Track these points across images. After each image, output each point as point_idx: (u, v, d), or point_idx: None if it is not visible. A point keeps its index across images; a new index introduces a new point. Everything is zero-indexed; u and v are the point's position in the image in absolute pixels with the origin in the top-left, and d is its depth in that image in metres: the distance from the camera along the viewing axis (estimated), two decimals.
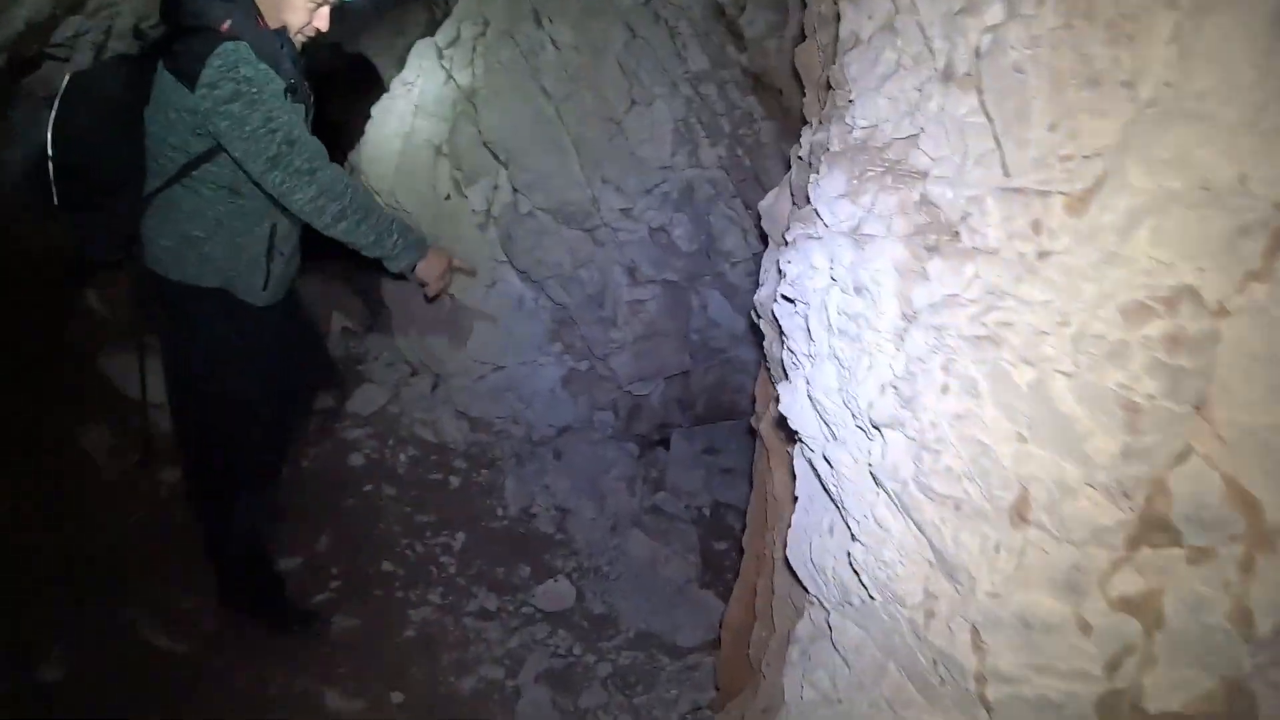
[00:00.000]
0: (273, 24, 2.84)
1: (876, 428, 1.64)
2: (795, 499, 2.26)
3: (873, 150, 1.78)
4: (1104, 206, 1.27)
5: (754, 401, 3.50)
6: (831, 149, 1.93)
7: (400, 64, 5.10)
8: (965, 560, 1.46)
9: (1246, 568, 1.24)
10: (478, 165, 4.84)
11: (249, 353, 3.20)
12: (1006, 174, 1.42)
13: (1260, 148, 1.16)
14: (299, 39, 2.98)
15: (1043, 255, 1.34)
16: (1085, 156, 1.29)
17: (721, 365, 5.49)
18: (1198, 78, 1.20)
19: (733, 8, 4.47)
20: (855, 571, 1.75)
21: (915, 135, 1.65)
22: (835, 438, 1.81)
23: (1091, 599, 1.33)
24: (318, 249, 3.36)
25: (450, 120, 4.75)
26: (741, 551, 5.37)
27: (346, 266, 4.99)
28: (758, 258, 4.73)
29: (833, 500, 1.91)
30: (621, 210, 4.69)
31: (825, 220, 1.84)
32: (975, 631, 1.46)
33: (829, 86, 2.26)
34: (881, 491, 1.66)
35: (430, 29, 5.28)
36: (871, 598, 1.71)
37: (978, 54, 1.46)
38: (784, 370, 2.16)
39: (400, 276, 3.28)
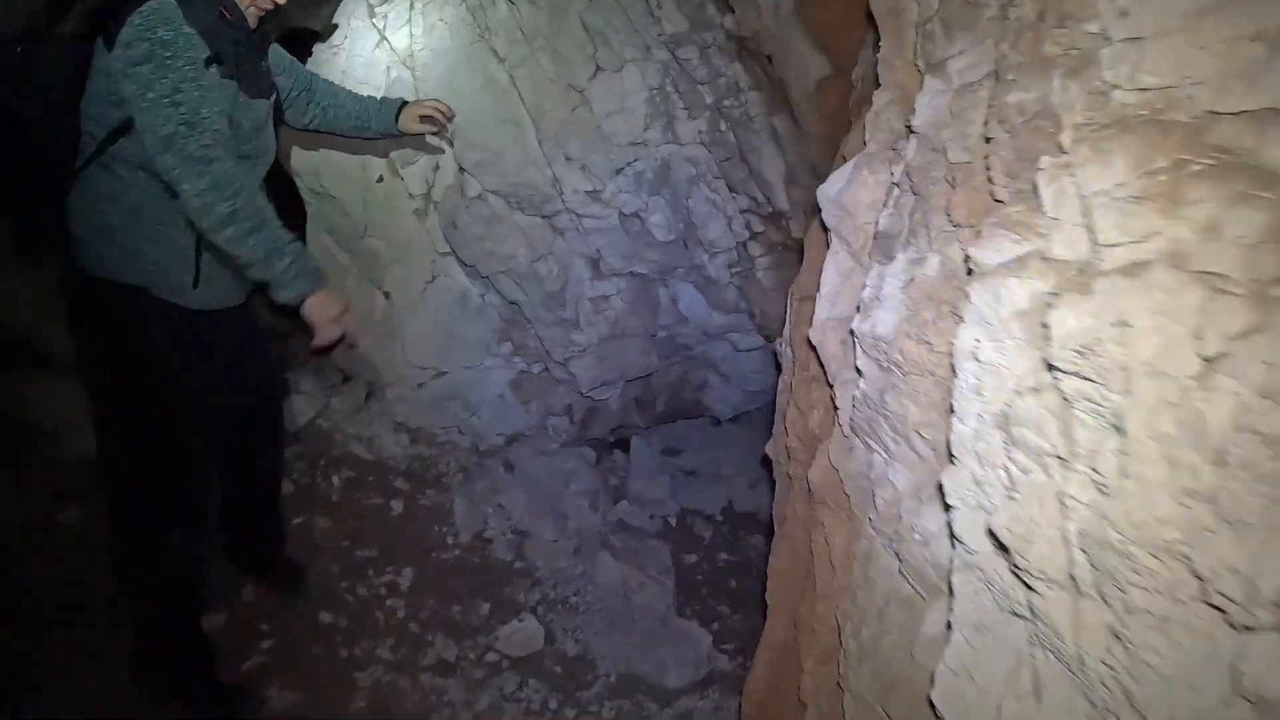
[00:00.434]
0: None
1: None
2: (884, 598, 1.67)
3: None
4: None
5: (786, 431, 2.90)
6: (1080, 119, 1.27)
7: (327, 26, 4.24)
8: None
9: None
10: (416, 142, 4.05)
11: (175, 363, 2.76)
12: None
13: None
14: (252, 14, 2.56)
15: None
16: None
17: (685, 362, 4.88)
18: None
19: None
20: None
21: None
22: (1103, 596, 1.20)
23: None
24: None
25: (383, 89, 3.94)
26: (716, 566, 4.92)
27: None
28: (744, 247, 4.11)
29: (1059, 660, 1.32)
30: (588, 193, 3.99)
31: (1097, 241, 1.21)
32: None
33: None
34: None
35: None
36: None
37: None
38: (950, 451, 1.55)
39: (288, 311, 2.68)
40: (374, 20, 3.99)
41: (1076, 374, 1.13)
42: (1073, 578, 1.22)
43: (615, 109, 3.96)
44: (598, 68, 3.93)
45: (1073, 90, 1.27)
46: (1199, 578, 0.98)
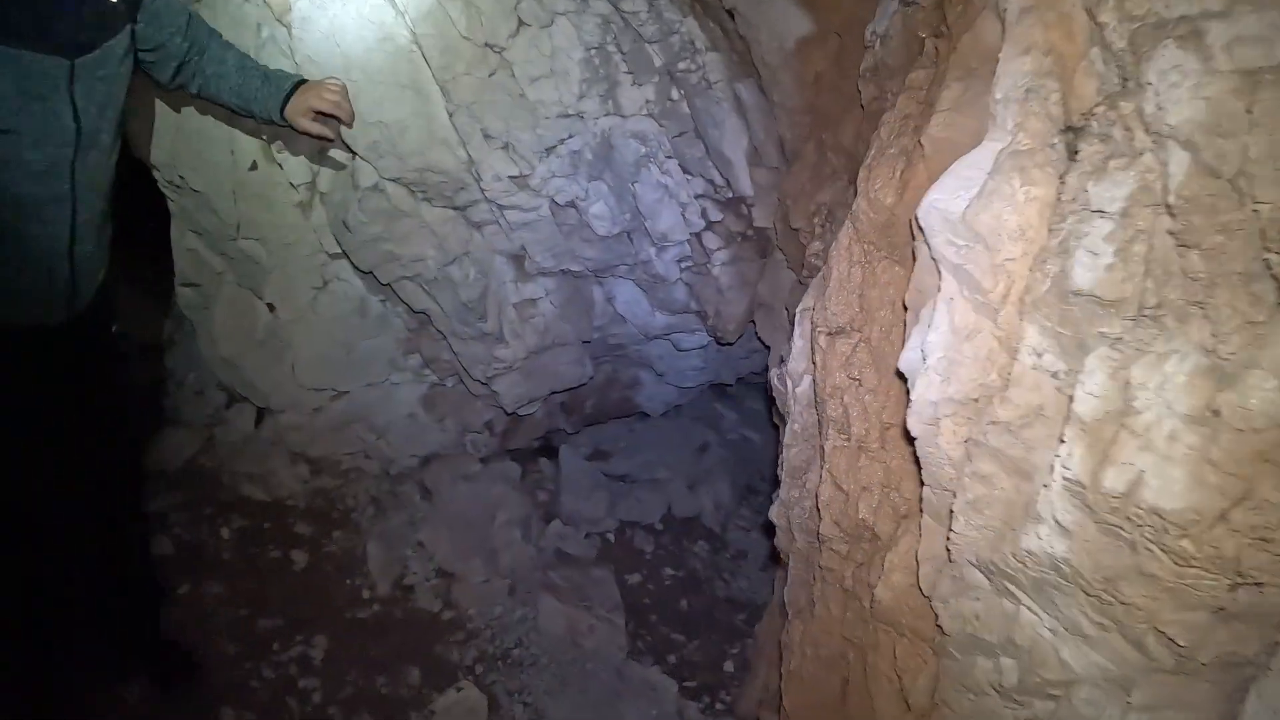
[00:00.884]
0: None
1: None
2: None
3: None
4: None
5: (818, 513, 2.33)
6: None
7: None
8: None
9: None
10: None
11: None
12: None
13: None
14: None
15: None
16: None
17: (615, 360, 4.22)
18: None
19: None
20: None
21: None
22: None
23: None
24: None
25: (252, 50, 2.99)
26: (663, 584, 4.32)
27: (133, 258, 3.19)
28: (698, 239, 3.43)
29: None
30: (513, 179, 3.22)
31: None
32: None
33: None
34: None
35: None
36: None
37: None
38: None
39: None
40: None
41: None
42: None
43: (543, 73, 3.17)
44: (521, 22, 3.12)
45: None
46: None
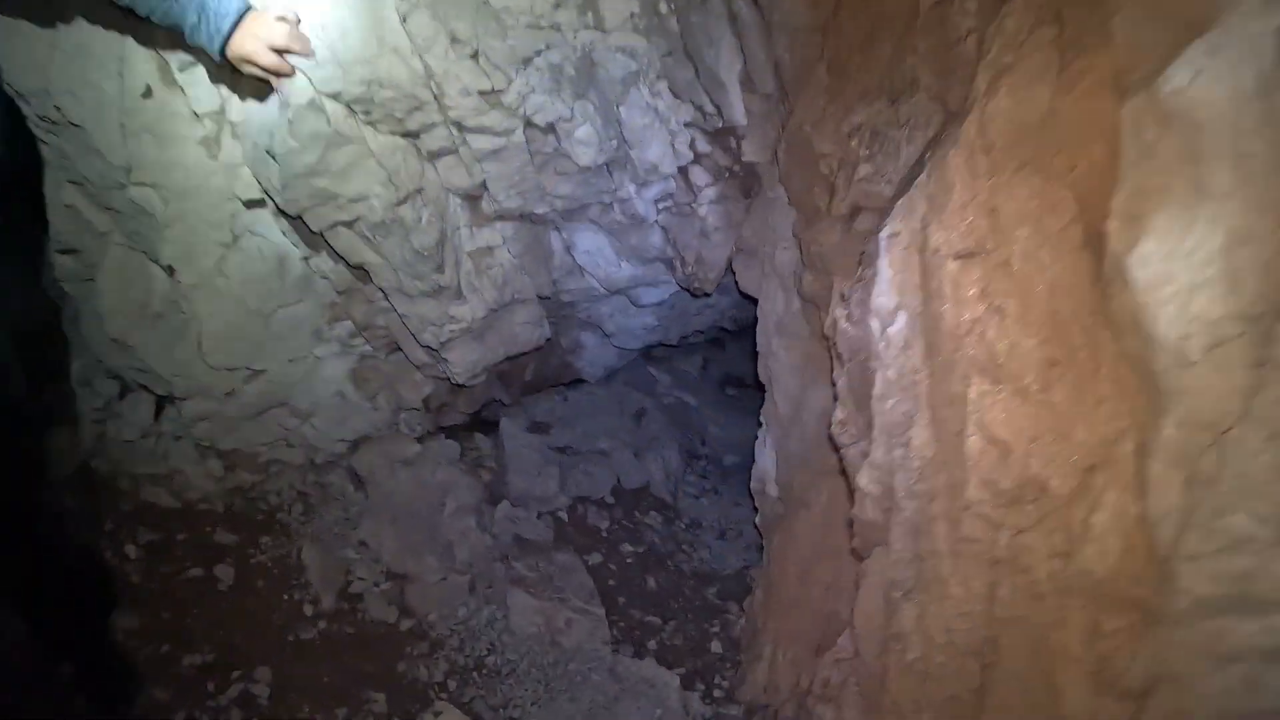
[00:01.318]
0: None
1: None
2: None
3: None
4: None
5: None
6: None
7: None
8: None
9: None
10: None
11: None
12: None
13: None
14: None
15: None
16: None
17: (559, 322, 3.68)
18: None
19: None
20: None
21: None
22: None
23: None
24: None
25: None
26: (625, 564, 3.82)
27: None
28: (684, 174, 2.95)
29: None
30: (483, 95, 2.60)
31: None
32: None
33: None
34: None
35: None
36: None
37: None
38: None
39: None
40: None
41: None
42: None
43: None
44: None
45: None
46: None
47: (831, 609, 2.88)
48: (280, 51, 2.15)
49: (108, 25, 2.28)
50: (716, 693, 3.12)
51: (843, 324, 2.22)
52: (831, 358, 2.46)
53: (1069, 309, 1.62)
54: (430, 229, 2.75)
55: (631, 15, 2.72)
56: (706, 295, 3.26)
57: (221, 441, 3.00)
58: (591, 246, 3.21)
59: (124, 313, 2.70)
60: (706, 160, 2.90)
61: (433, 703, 2.82)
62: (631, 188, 2.93)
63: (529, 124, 2.70)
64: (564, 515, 3.76)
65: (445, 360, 3.09)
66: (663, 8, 2.73)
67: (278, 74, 2.21)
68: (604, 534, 3.82)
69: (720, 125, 2.85)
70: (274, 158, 2.53)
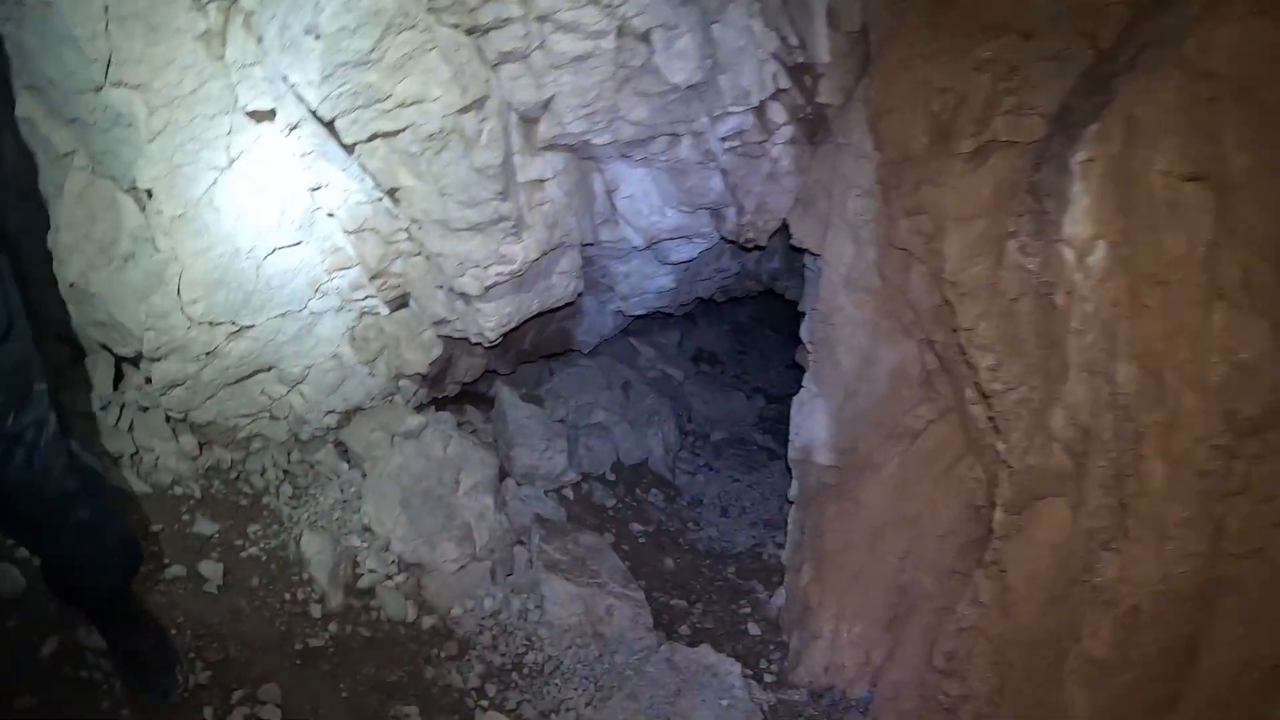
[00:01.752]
0: None
1: None
2: None
3: None
4: None
5: None
6: None
7: None
8: None
9: None
10: None
11: None
12: None
13: None
14: None
15: None
16: None
17: None
18: None
19: None
20: None
21: None
22: None
23: None
24: None
25: None
26: (638, 544, 3.36)
27: None
28: (763, 111, 2.54)
29: None
30: None
31: None
32: None
33: None
34: None
35: None
36: None
37: None
38: None
39: None
40: None
41: None
42: None
43: None
44: None
45: None
46: None
47: (910, 579, 2.58)
48: None
49: None
50: (767, 677, 2.76)
51: (1014, 257, 1.89)
52: (953, 306, 2.14)
53: None
54: (494, 146, 2.23)
55: None
56: (760, 248, 2.88)
57: (196, 413, 2.38)
58: (636, 191, 2.75)
59: (84, 252, 2.05)
60: (784, 97, 2.51)
61: (473, 713, 2.32)
62: (706, 120, 2.50)
63: (623, 30, 2.21)
64: (569, 493, 3.30)
65: (478, 312, 2.56)
66: None
67: None
68: (611, 512, 3.39)
69: (801, 60, 2.47)
70: (316, 38, 1.95)
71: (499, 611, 2.62)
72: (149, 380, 2.30)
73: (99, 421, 2.23)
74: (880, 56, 2.39)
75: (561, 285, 2.70)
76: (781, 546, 3.35)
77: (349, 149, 2.11)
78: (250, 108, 2.09)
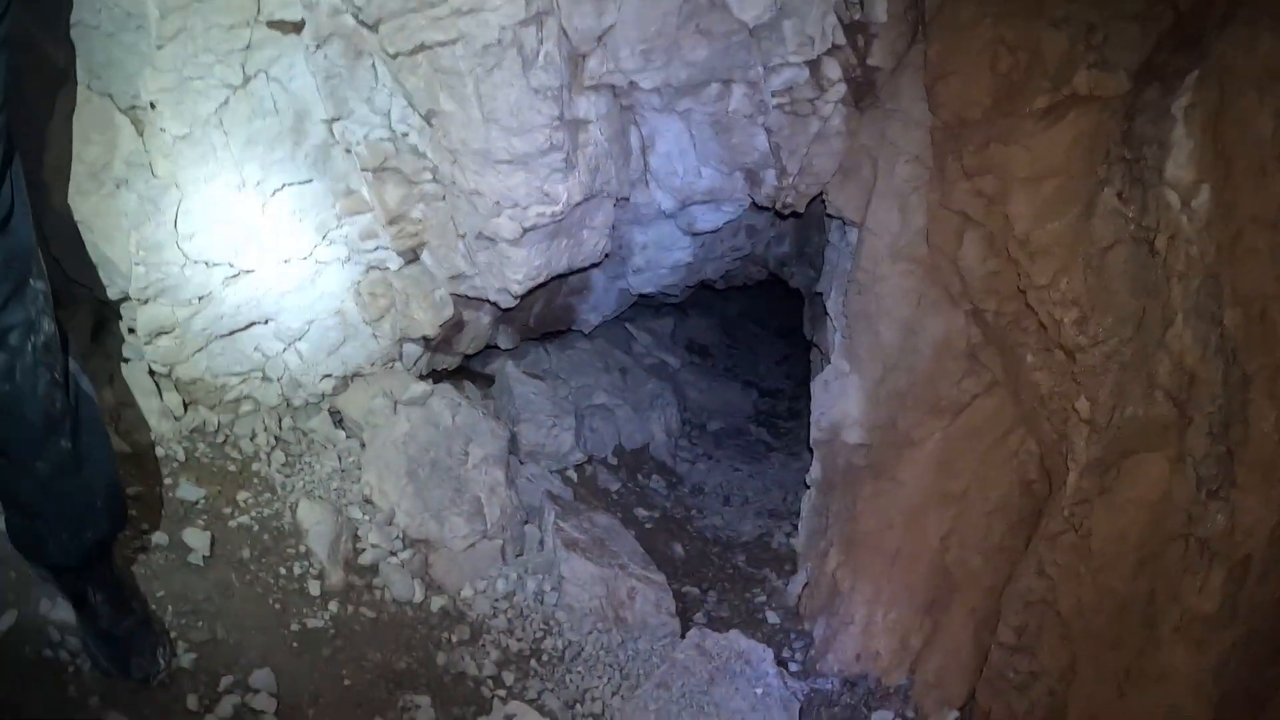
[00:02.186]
0: None
1: None
2: None
3: None
4: None
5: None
6: None
7: None
8: None
9: None
10: None
11: None
12: None
13: None
14: None
15: None
16: None
17: None
18: None
19: None
20: None
21: None
22: None
23: None
24: None
25: None
26: (644, 529, 3.06)
27: None
28: (818, 67, 2.31)
29: None
30: None
31: None
32: None
33: None
34: None
35: None
36: None
37: None
38: None
39: None
40: None
41: None
42: None
43: None
44: None
45: None
46: None
47: (954, 558, 2.36)
48: None
49: None
50: (792, 666, 2.50)
51: (1110, 204, 1.70)
52: (1021, 267, 1.94)
53: None
54: (552, 69, 1.95)
55: None
56: (797, 215, 2.64)
57: (183, 367, 2.03)
58: (673, 148, 2.49)
59: (72, 176, 1.72)
60: (839, 54, 2.29)
61: (490, 703, 2.02)
62: (760, 69, 2.26)
63: None
64: (573, 475, 3.01)
65: (507, 261, 2.26)
66: None
67: None
68: (616, 497, 3.11)
69: (858, 18, 2.26)
70: None
71: (513, 593, 2.32)
72: (132, 331, 1.95)
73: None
74: (940, 18, 2.20)
75: (591, 242, 2.43)
76: (790, 536, 3.12)
77: (391, 58, 1.80)
78: (275, 16, 1.79)
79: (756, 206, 2.68)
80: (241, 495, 2.07)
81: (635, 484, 3.24)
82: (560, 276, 2.57)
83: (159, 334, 1.96)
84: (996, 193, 2.04)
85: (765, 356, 4.88)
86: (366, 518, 2.24)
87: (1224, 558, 1.45)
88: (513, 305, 2.54)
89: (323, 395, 2.44)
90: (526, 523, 2.56)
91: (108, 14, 1.66)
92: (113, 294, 1.90)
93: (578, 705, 2.09)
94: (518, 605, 2.29)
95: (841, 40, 2.24)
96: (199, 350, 2.06)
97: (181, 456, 2.03)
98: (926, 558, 2.36)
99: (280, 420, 2.33)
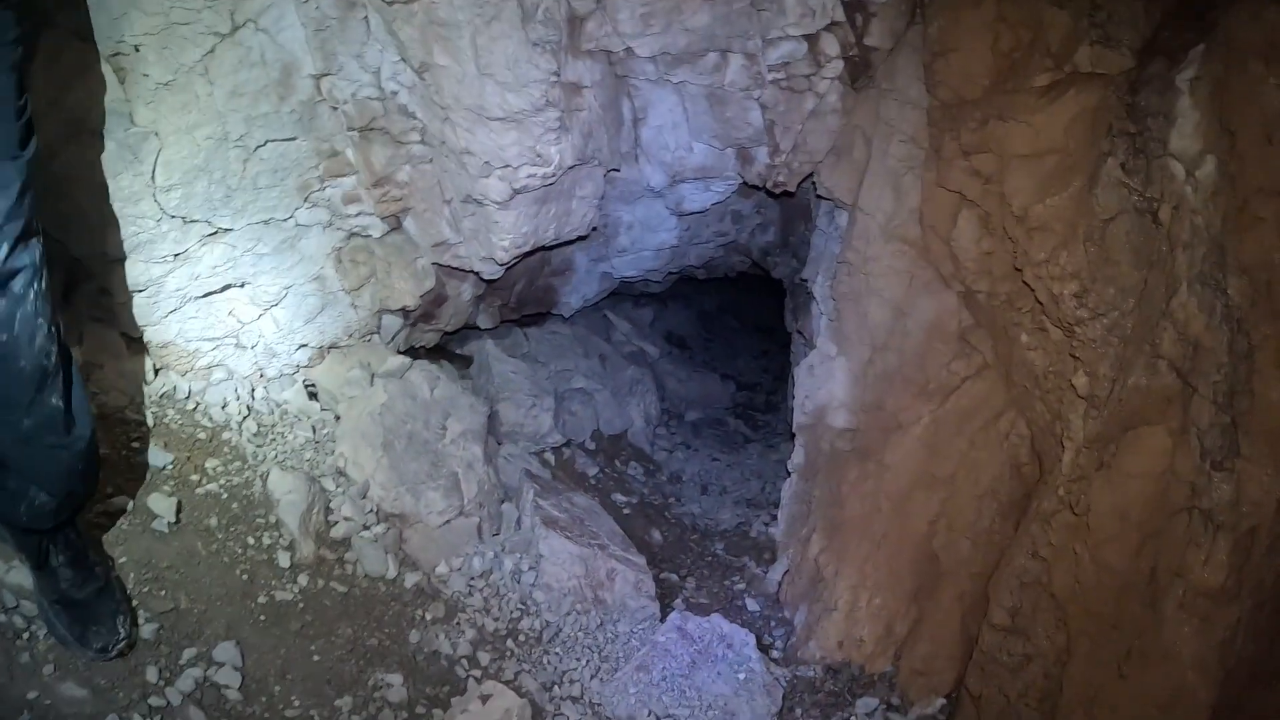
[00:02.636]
0: None
1: None
2: None
3: None
4: None
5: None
6: None
7: None
8: None
9: None
10: None
11: None
12: None
13: None
14: None
15: None
16: None
17: None
18: None
19: None
20: None
21: None
22: None
23: None
24: None
25: None
26: (623, 515, 2.95)
27: None
28: (816, 42, 2.25)
29: None
30: None
31: None
32: None
33: None
34: None
35: None
36: None
37: None
38: None
39: None
40: None
41: None
42: None
43: None
44: None
45: None
46: None
47: (942, 543, 2.30)
48: None
49: None
50: (773, 653, 2.43)
51: (1114, 174, 1.65)
52: (1019, 244, 1.89)
53: None
54: (552, 21, 1.87)
55: None
56: (789, 195, 2.57)
57: (154, 330, 1.92)
58: (665, 121, 2.42)
59: (49, 121, 1.60)
60: (837, 30, 2.24)
61: (465, 683, 1.92)
62: (758, 41, 2.19)
63: None
64: (550, 457, 2.92)
65: (494, 225, 2.17)
66: None
67: None
68: (594, 481, 3.02)
69: None
70: None
71: (489, 571, 2.22)
72: (104, 291, 1.84)
73: None
74: None
75: (580, 212, 2.35)
76: (769, 526, 3.05)
77: (387, 4, 1.71)
78: None
79: (747, 187, 2.62)
80: (211, 463, 1.96)
81: (613, 469, 3.16)
82: (545, 249, 2.49)
83: (135, 292, 1.85)
84: (994, 171, 2.00)
85: (743, 351, 4.82)
86: (340, 490, 2.13)
87: (1229, 529, 1.41)
88: (496, 276, 2.45)
89: (297, 367, 2.33)
90: (504, 501, 2.47)
91: None
92: (85, 250, 1.78)
93: (555, 687, 2.00)
94: (494, 584, 2.19)
95: (841, 17, 2.19)
96: (172, 311, 1.95)
97: (150, 421, 1.91)
98: (913, 542, 2.31)
99: (253, 390, 2.21)
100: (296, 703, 1.69)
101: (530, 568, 2.27)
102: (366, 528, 2.11)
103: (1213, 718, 1.47)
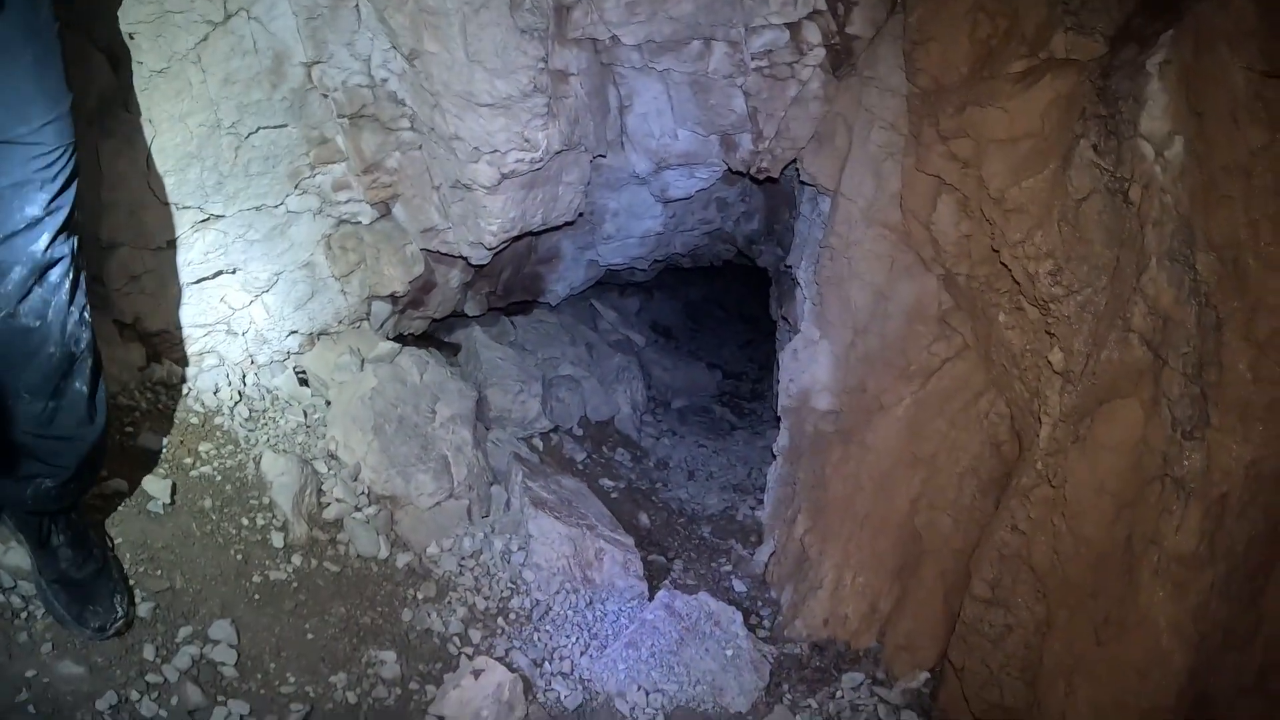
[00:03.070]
0: None
1: None
2: None
3: None
4: None
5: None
6: None
7: None
8: None
9: None
10: None
11: None
12: None
13: None
14: None
15: None
16: None
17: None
18: None
19: None
20: None
21: None
22: None
23: None
24: None
25: None
26: (611, 499, 2.97)
27: None
28: (799, 30, 2.28)
29: None
30: None
31: None
32: None
33: None
34: None
35: None
36: None
37: None
38: None
39: None
40: None
41: None
42: None
43: None
44: None
45: None
46: None
47: (924, 521, 2.34)
48: None
49: None
50: (760, 633, 2.46)
51: (1087, 155, 1.69)
52: (996, 225, 1.93)
53: None
54: (540, 9, 1.89)
55: None
56: (772, 181, 2.60)
57: (148, 318, 1.92)
58: (651, 108, 2.44)
59: None
60: (820, 19, 2.27)
61: (456, 659, 1.94)
62: (742, 29, 2.22)
63: None
64: (539, 443, 2.94)
65: (483, 210, 2.18)
66: None
67: None
68: (581, 467, 3.04)
69: None
70: None
71: (479, 552, 2.24)
72: (97, 278, 1.84)
73: None
74: None
75: (566, 198, 2.37)
76: (755, 510, 3.09)
77: None
78: None
79: (731, 173, 2.65)
80: (204, 446, 1.97)
81: (601, 455, 3.18)
82: (532, 235, 2.50)
83: (129, 279, 1.85)
84: (972, 155, 2.03)
85: (729, 340, 4.86)
86: (331, 472, 2.14)
87: (1201, 497, 1.45)
88: (485, 262, 2.47)
89: (288, 353, 2.34)
90: (493, 484, 2.48)
91: None
92: (79, 235, 1.78)
93: (546, 664, 2.02)
94: (484, 564, 2.21)
95: (823, 6, 2.22)
96: (164, 299, 1.96)
97: (144, 406, 1.92)
98: (896, 521, 2.35)
99: (244, 376, 2.22)
100: (292, 679, 1.70)
101: (520, 548, 2.29)
102: (358, 509, 2.12)
103: (1189, 681, 1.51)
